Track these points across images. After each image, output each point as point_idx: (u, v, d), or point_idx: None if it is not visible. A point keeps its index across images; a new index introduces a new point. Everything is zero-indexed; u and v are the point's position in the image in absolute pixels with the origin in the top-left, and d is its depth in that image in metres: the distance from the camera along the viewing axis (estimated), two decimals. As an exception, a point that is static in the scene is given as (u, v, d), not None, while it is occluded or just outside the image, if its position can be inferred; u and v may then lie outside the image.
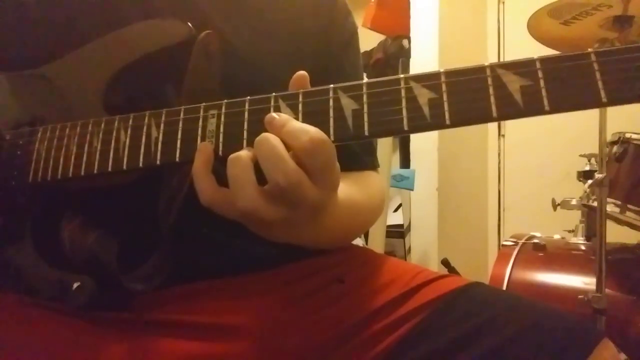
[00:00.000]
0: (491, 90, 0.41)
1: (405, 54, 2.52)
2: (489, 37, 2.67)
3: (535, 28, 1.44)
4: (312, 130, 0.43)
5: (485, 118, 0.41)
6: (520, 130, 2.54)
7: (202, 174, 0.45)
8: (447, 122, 0.42)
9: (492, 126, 2.66)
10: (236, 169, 0.43)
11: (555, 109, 0.40)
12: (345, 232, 0.67)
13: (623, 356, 1.18)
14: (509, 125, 2.62)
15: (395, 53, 2.58)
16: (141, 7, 0.62)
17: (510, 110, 0.41)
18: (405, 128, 0.43)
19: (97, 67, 0.57)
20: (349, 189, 0.62)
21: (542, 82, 0.40)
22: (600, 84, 0.39)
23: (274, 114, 0.45)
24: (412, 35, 2.46)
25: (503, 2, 2.65)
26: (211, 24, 0.61)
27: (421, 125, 0.42)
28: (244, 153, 0.44)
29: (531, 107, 0.40)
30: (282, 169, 0.42)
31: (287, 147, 0.43)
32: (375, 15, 2.69)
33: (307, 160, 0.42)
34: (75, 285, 0.51)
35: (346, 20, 0.76)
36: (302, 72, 0.48)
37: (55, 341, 0.52)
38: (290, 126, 0.43)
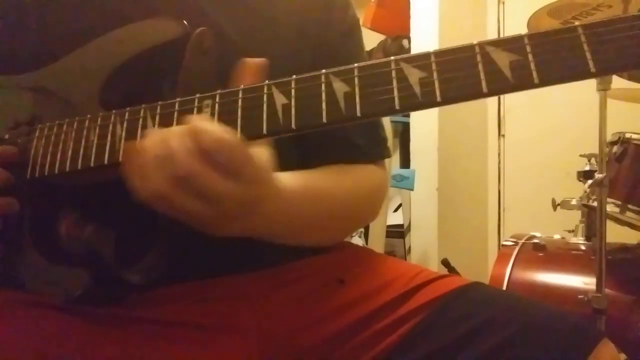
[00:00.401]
0: (480, 67, 0.41)
1: (405, 54, 2.51)
2: (488, 37, 2.66)
3: (535, 28, 1.43)
4: (210, 130, 0.44)
5: (476, 94, 0.42)
6: (520, 130, 2.54)
7: (132, 172, 0.46)
8: (438, 99, 0.42)
9: (492, 126, 2.66)
10: (143, 158, 0.45)
11: (545, 81, 0.40)
12: (312, 223, 0.64)
13: (623, 356, 1.18)
14: (509, 125, 2.62)
15: (395, 53, 2.57)
16: (142, 7, 0.62)
17: (500, 85, 0.41)
18: (397, 107, 0.43)
19: (94, 67, 0.58)
20: (310, 177, 0.63)
21: (530, 57, 0.41)
22: (588, 54, 0.39)
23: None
24: (412, 35, 2.47)
25: (503, 2, 2.65)
26: (210, 21, 0.61)
27: (412, 103, 0.43)
28: (148, 145, 0.46)
29: (521, 81, 0.41)
30: (176, 160, 0.43)
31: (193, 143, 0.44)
32: (375, 15, 2.69)
33: (210, 157, 0.44)
34: (78, 294, 0.52)
35: (345, 12, 0.75)
36: (261, 60, 0.49)
37: (52, 340, 0.51)
38: (192, 125, 0.45)
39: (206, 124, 0.45)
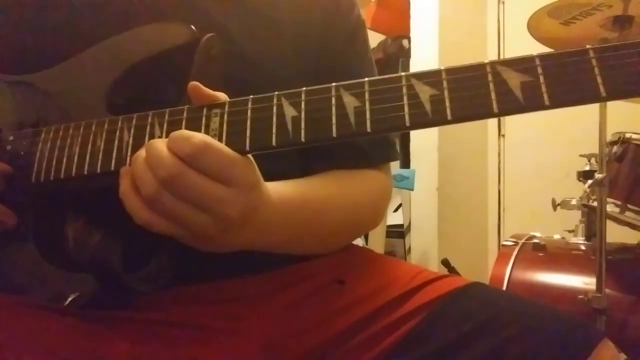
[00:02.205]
0: (492, 87, 0.42)
1: (405, 54, 2.52)
2: (489, 37, 2.67)
3: (535, 28, 1.44)
4: (191, 136, 0.44)
5: (487, 114, 0.42)
6: (520, 130, 2.54)
7: (130, 194, 0.46)
8: (449, 117, 0.42)
9: (492, 126, 2.66)
10: (137, 165, 0.46)
11: (556, 104, 0.41)
12: (309, 233, 0.63)
13: (623, 356, 1.18)
14: (509, 125, 2.62)
15: (395, 53, 2.58)
16: (148, 10, 0.62)
17: (511, 105, 0.41)
18: (407, 124, 0.43)
19: (100, 69, 0.58)
20: (306, 186, 0.62)
21: (542, 78, 0.41)
22: (599, 78, 0.40)
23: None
24: (412, 35, 2.46)
25: (503, 2, 2.65)
26: (215, 23, 0.61)
27: (423, 121, 0.43)
28: (141, 152, 0.46)
29: (531, 103, 0.41)
30: (160, 163, 0.44)
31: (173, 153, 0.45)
32: (375, 15, 2.69)
33: (196, 164, 0.44)
34: (72, 297, 0.51)
35: (350, 13, 0.75)
36: (193, 83, 0.49)
37: (55, 342, 0.52)
38: (173, 135, 0.45)
39: (187, 132, 0.45)
